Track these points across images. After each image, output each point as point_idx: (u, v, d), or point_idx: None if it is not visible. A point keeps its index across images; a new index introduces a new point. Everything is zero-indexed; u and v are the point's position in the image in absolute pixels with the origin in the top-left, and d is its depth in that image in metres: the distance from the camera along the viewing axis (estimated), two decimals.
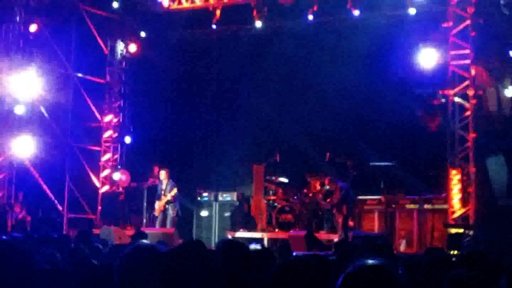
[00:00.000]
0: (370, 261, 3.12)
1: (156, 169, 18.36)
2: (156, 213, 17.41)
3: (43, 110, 17.86)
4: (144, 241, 3.56)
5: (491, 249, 11.41)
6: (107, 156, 20.23)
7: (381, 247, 6.19)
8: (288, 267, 4.19)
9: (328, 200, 16.39)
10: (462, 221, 15.14)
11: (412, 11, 16.15)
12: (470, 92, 15.41)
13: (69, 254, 6.73)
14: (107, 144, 20.33)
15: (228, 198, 18.17)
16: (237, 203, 18.09)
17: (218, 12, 18.19)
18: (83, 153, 19.38)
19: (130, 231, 16.15)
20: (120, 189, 19.59)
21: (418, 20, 16.34)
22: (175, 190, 17.09)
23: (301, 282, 4.09)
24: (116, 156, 20.43)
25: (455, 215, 15.29)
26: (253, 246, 7.78)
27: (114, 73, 20.63)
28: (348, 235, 15.25)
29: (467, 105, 15.58)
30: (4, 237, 6.95)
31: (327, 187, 16.64)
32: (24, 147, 17.04)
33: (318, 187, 17.24)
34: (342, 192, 16.11)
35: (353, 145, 17.90)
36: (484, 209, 14.25)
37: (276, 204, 17.59)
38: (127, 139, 20.32)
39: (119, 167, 20.20)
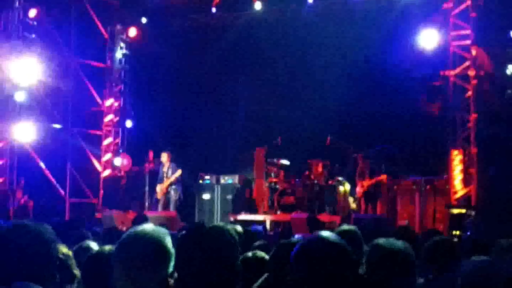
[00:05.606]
0: (323, 234, 3.18)
1: (151, 154, 18.35)
2: (158, 196, 17.41)
3: (43, 95, 17.84)
4: (145, 225, 3.48)
5: (491, 233, 11.41)
6: (108, 140, 20.21)
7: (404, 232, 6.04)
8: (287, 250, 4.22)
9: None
10: (464, 202, 15.14)
11: None
12: (471, 73, 15.36)
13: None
14: (108, 129, 20.31)
15: (230, 181, 18.18)
16: (239, 186, 18.12)
17: None
18: (84, 138, 19.38)
19: (132, 215, 16.15)
20: (122, 173, 19.61)
21: (419, 1, 16.27)
22: (179, 172, 17.02)
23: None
24: (117, 140, 20.42)
25: (457, 196, 15.27)
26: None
27: (115, 57, 20.58)
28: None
29: (468, 86, 15.54)
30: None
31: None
32: (25, 133, 17.03)
33: (320, 170, 17.21)
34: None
35: (354, 129, 17.89)
36: (484, 192, 14.23)
37: (277, 186, 17.59)
38: (128, 123, 20.33)
39: (121, 151, 20.21)
